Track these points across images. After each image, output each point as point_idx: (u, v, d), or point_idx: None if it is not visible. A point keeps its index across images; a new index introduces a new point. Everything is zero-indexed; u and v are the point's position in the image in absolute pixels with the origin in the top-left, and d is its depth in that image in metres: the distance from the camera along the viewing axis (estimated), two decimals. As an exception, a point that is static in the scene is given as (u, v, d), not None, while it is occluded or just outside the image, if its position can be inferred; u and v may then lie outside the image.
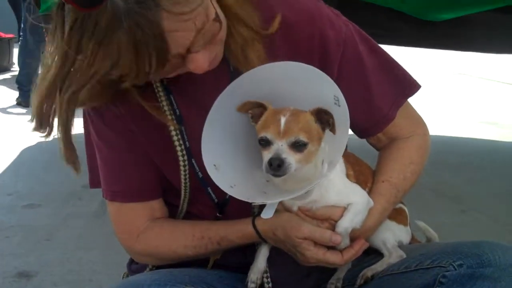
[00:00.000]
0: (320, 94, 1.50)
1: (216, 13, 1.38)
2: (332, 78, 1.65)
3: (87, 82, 1.34)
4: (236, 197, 1.47)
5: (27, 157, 5.63)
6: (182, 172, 1.66)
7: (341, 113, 1.45)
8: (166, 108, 1.62)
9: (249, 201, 1.48)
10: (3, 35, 13.45)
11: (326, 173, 1.49)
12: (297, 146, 1.44)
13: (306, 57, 1.63)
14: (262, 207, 1.61)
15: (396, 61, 1.78)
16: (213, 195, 1.70)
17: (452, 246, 1.57)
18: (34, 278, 3.12)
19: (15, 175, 5.11)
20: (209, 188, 1.69)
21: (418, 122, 1.82)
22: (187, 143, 1.64)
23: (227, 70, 1.62)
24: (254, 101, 1.53)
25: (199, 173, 1.66)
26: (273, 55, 1.59)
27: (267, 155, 1.44)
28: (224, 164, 1.55)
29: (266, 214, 1.49)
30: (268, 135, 1.45)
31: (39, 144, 6.03)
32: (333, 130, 1.48)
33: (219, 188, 1.54)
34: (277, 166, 1.41)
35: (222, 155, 1.56)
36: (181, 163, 1.65)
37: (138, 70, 1.31)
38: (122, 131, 1.66)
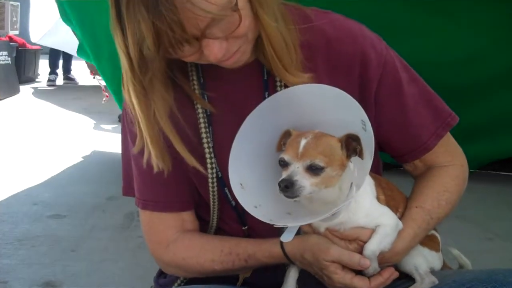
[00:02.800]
0: (347, 118, 1.50)
1: (236, 4, 1.39)
2: (369, 98, 1.67)
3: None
4: (259, 218, 1.48)
5: (52, 168, 5.68)
6: (210, 174, 1.68)
7: (367, 138, 1.45)
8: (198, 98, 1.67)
9: (271, 223, 1.48)
10: (30, 46, 13.66)
11: (350, 196, 1.49)
12: (313, 170, 1.44)
13: (345, 73, 1.65)
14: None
15: (435, 93, 1.78)
16: (230, 197, 1.70)
17: (486, 274, 1.55)
18: (59, 288, 3.15)
19: (40, 185, 5.16)
20: (226, 189, 1.70)
21: (456, 153, 1.81)
22: (211, 142, 1.68)
23: (261, 77, 1.65)
24: (282, 133, 1.55)
25: (219, 172, 1.69)
26: (312, 69, 1.62)
27: (283, 175, 1.45)
28: (251, 182, 1.56)
29: (286, 237, 1.49)
30: (286, 156, 1.46)
31: (64, 156, 6.12)
32: (361, 156, 1.48)
33: None
34: (284, 187, 1.42)
35: (250, 173, 1.57)
36: (208, 160, 1.68)
37: (161, 44, 1.36)
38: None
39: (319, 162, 1.44)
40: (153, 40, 1.35)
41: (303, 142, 1.46)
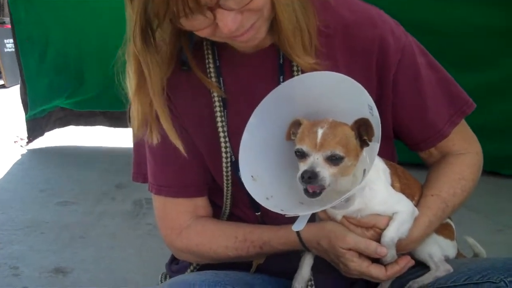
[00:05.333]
0: (354, 105, 1.50)
1: None
2: (387, 84, 1.66)
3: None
4: (270, 209, 1.48)
5: (60, 154, 5.70)
6: (224, 158, 1.68)
7: (374, 123, 1.45)
8: (214, 82, 1.67)
9: (282, 213, 1.48)
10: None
11: (361, 181, 1.48)
12: (333, 160, 1.44)
13: (363, 59, 1.65)
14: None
15: (452, 79, 1.77)
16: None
17: (502, 262, 1.55)
18: (70, 274, 3.17)
19: (48, 172, 5.17)
20: (239, 173, 1.67)
21: (472, 140, 1.80)
22: (226, 126, 1.67)
23: (277, 61, 1.64)
24: (292, 122, 1.53)
25: (232, 156, 1.68)
26: (329, 54, 1.62)
27: (302, 167, 1.44)
28: (262, 174, 1.56)
29: (297, 226, 1.49)
30: (304, 147, 1.45)
31: (71, 142, 6.13)
32: (370, 139, 1.48)
33: None
34: (308, 178, 1.41)
35: (261, 164, 1.57)
36: (223, 145, 1.67)
37: (169, 8, 1.34)
38: (174, 127, 1.69)
39: (339, 152, 1.43)
40: (165, 6, 1.34)
41: (320, 131, 1.45)
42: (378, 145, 1.43)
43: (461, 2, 4.19)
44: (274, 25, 1.53)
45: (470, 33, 4.23)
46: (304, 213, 1.49)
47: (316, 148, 1.44)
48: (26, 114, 5.95)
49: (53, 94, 5.86)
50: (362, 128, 1.47)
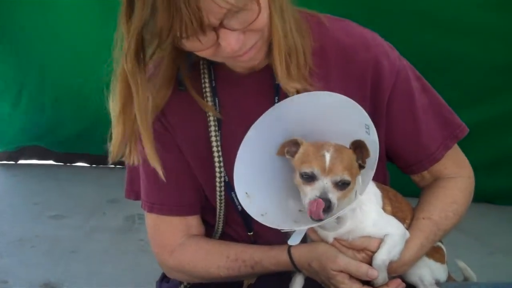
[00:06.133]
0: (351, 125, 1.51)
1: None
2: (381, 107, 1.67)
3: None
4: (266, 224, 1.48)
5: (53, 167, 5.69)
6: (218, 178, 1.69)
7: (371, 142, 1.45)
8: (209, 102, 1.67)
9: (278, 228, 1.48)
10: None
11: (352, 202, 1.48)
12: (340, 185, 1.45)
13: (358, 81, 1.66)
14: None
15: (446, 103, 1.78)
16: (236, 201, 1.69)
17: (492, 286, 1.56)
18: (59, 290, 3.15)
19: (41, 185, 5.16)
20: (233, 193, 1.69)
21: (464, 164, 1.81)
22: (220, 147, 1.68)
23: (272, 82, 1.64)
24: (288, 140, 1.54)
25: (226, 176, 1.69)
26: (324, 76, 1.63)
27: (310, 191, 1.44)
28: (256, 191, 1.56)
29: (293, 241, 1.49)
30: (315, 170, 1.45)
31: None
32: (364, 161, 1.49)
33: None
34: (327, 208, 1.41)
35: (254, 182, 1.57)
36: (216, 164, 1.68)
37: (173, 28, 1.34)
38: (168, 144, 1.70)
39: (347, 177, 1.45)
40: (168, 27, 1.34)
41: (327, 155, 1.45)
42: (375, 165, 1.43)
43: (461, 37, 4.20)
44: (270, 46, 1.54)
45: (471, 68, 4.24)
46: (300, 228, 1.50)
47: (325, 173, 1.44)
48: None
49: (26, 136, 5.60)
50: (358, 151, 1.48)
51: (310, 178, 1.45)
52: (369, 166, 1.47)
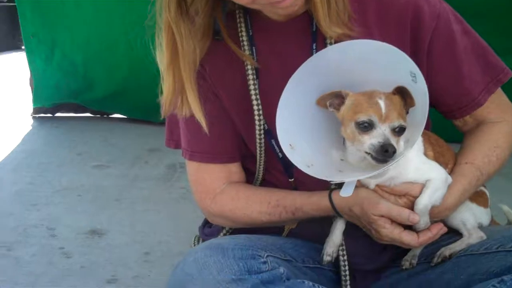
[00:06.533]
0: (394, 73, 1.49)
1: None
2: (422, 52, 1.64)
3: None
4: (315, 176, 1.48)
5: (90, 120, 5.77)
6: (257, 125, 1.69)
7: (419, 91, 1.43)
8: (247, 51, 1.67)
9: (327, 179, 1.49)
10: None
11: (404, 152, 1.47)
12: (397, 131, 1.44)
13: (397, 26, 1.63)
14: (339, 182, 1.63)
15: (488, 46, 1.74)
16: (277, 148, 1.71)
17: None
18: (105, 236, 3.23)
19: (83, 136, 5.25)
20: (273, 141, 1.71)
21: (508, 108, 1.77)
22: (258, 95, 1.68)
23: (309, 29, 1.64)
24: (330, 92, 1.53)
25: (265, 124, 1.69)
26: (362, 22, 1.61)
27: (370, 139, 1.44)
28: (299, 143, 1.56)
29: (345, 192, 1.50)
30: (372, 117, 1.44)
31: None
32: (411, 106, 1.48)
33: None
34: (385, 152, 1.41)
35: (297, 134, 1.57)
36: (256, 112, 1.68)
37: None
38: (208, 94, 1.71)
39: (404, 123, 1.44)
40: None
41: (381, 103, 1.44)
42: (426, 115, 1.43)
43: None
44: None
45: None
46: (350, 179, 1.50)
47: (382, 120, 1.44)
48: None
49: (61, 93, 5.70)
50: (404, 96, 1.47)
51: (368, 127, 1.44)
52: (420, 115, 1.44)
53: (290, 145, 1.53)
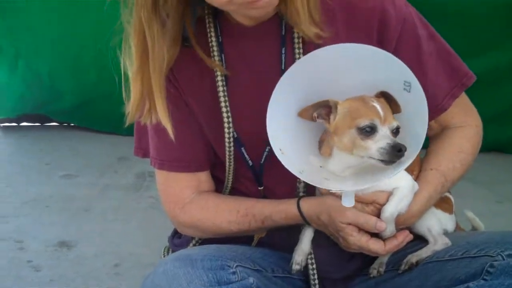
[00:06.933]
0: (380, 79, 1.50)
1: None
2: None
3: None
4: (310, 183, 1.50)
5: (58, 128, 5.70)
6: (227, 133, 1.70)
7: (415, 100, 1.44)
8: (216, 57, 1.67)
9: (322, 187, 1.51)
10: None
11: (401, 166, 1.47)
12: (395, 132, 1.46)
13: (364, 31, 1.65)
14: (308, 189, 1.66)
15: (453, 51, 1.76)
16: (246, 157, 1.72)
17: (500, 235, 1.57)
18: (74, 248, 3.19)
19: (51, 145, 5.18)
20: (242, 149, 1.72)
21: (471, 113, 1.80)
22: (228, 101, 1.68)
23: (279, 32, 1.65)
24: (315, 103, 1.51)
25: (234, 132, 1.70)
26: (332, 25, 1.62)
27: (375, 143, 1.44)
28: (287, 148, 1.54)
29: (347, 202, 1.50)
30: (375, 121, 1.44)
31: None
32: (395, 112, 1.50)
33: (254, 150, 1.65)
34: (399, 151, 1.42)
35: (285, 139, 1.55)
36: (225, 120, 1.69)
37: None
38: (177, 102, 1.71)
39: (399, 124, 1.46)
40: None
41: (377, 106, 1.46)
42: (426, 128, 1.44)
43: None
44: None
45: (475, 13, 4.16)
46: (352, 189, 1.51)
47: (382, 122, 1.45)
48: None
49: (26, 105, 5.54)
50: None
51: (370, 131, 1.45)
52: (420, 127, 1.46)
53: (280, 149, 1.52)
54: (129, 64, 1.59)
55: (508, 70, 4.30)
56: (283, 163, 1.49)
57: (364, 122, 1.45)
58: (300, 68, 1.54)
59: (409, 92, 1.45)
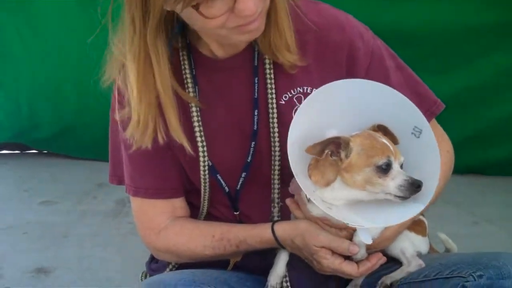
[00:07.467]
0: (395, 120, 1.53)
1: None
2: None
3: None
4: (336, 217, 1.49)
5: (37, 155, 5.67)
6: (202, 162, 1.70)
7: (422, 147, 1.49)
8: (190, 89, 1.68)
9: (345, 221, 1.50)
10: None
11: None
12: (401, 166, 1.48)
13: (333, 63, 1.68)
14: (282, 214, 1.69)
15: (421, 80, 1.80)
16: (223, 183, 1.74)
17: (471, 257, 1.60)
18: (52, 274, 3.16)
19: (30, 171, 5.15)
20: (218, 176, 1.73)
21: (442, 139, 1.82)
22: (203, 131, 1.69)
23: (251, 63, 1.68)
24: (325, 140, 1.48)
25: (209, 161, 1.71)
26: (303, 55, 1.65)
27: (391, 180, 1.45)
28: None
29: (367, 239, 1.52)
30: (391, 159, 1.46)
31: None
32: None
33: (229, 176, 1.68)
34: (417, 187, 1.44)
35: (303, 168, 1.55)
36: (200, 149, 1.70)
37: None
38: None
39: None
40: None
41: (386, 141, 1.47)
42: (437, 180, 1.49)
43: (434, 4, 4.17)
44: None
45: (446, 34, 4.21)
46: (375, 225, 1.55)
47: (395, 158, 1.47)
48: None
49: (5, 133, 5.46)
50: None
51: (386, 169, 1.45)
52: (431, 174, 1.50)
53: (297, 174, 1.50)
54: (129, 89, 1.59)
55: (483, 90, 4.34)
56: (312, 200, 1.50)
57: (382, 160, 1.45)
58: (320, 97, 1.54)
59: (418, 137, 1.49)
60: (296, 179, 1.48)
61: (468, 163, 4.04)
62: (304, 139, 1.51)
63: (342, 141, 1.48)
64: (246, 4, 1.40)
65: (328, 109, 1.54)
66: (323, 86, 1.54)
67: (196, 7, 1.39)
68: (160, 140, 1.62)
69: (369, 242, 1.51)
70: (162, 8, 1.45)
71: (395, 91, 1.56)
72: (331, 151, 1.48)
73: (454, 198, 3.47)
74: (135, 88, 1.56)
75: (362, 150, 1.47)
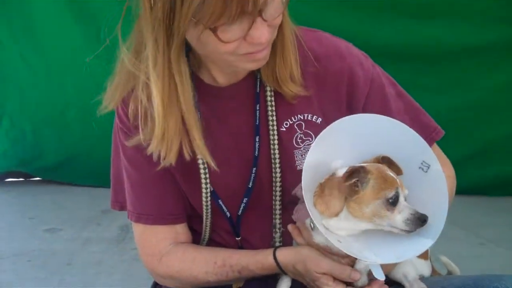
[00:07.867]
0: (403, 155, 1.54)
1: None
2: None
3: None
4: (346, 252, 1.48)
5: (42, 183, 5.69)
6: (204, 188, 1.71)
7: (432, 182, 1.51)
8: None
9: (357, 256, 1.49)
10: None
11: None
12: (405, 199, 1.48)
13: (333, 91, 1.69)
14: (284, 239, 1.69)
15: (420, 107, 1.81)
16: (224, 208, 1.74)
17: (473, 279, 1.59)
18: (56, 302, 3.17)
19: (35, 199, 5.17)
20: (220, 201, 1.73)
21: (444, 164, 1.79)
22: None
23: (253, 90, 1.68)
24: (349, 171, 1.47)
25: (211, 187, 1.71)
26: (305, 85, 1.66)
27: (398, 213, 1.45)
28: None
29: (380, 275, 1.50)
30: (399, 191, 1.46)
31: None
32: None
33: (231, 202, 1.67)
34: (424, 221, 1.45)
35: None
36: (202, 176, 1.70)
37: (225, 13, 1.36)
38: (152, 158, 1.72)
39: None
40: (219, 12, 1.36)
41: (393, 174, 1.48)
42: (446, 214, 1.50)
43: (433, 22, 4.20)
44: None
45: (443, 55, 4.23)
46: (389, 261, 1.54)
47: (402, 191, 1.47)
48: None
49: (10, 162, 5.54)
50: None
51: (394, 202, 1.46)
52: (438, 211, 1.51)
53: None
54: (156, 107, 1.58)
55: (483, 109, 4.34)
56: (323, 233, 1.49)
57: (392, 193, 1.45)
58: (335, 129, 1.54)
59: (425, 172, 1.49)
60: (308, 211, 1.47)
61: (469, 183, 4.06)
62: (313, 168, 1.51)
63: (364, 172, 1.48)
64: (261, 31, 1.42)
65: (338, 141, 1.55)
66: (340, 120, 1.54)
67: (214, 30, 1.40)
68: (187, 157, 1.62)
69: (383, 278, 1.50)
70: (185, 30, 1.46)
71: (407, 127, 1.56)
72: (360, 181, 1.48)
73: (461, 220, 3.46)
74: (160, 106, 1.55)
75: (376, 182, 1.47)
